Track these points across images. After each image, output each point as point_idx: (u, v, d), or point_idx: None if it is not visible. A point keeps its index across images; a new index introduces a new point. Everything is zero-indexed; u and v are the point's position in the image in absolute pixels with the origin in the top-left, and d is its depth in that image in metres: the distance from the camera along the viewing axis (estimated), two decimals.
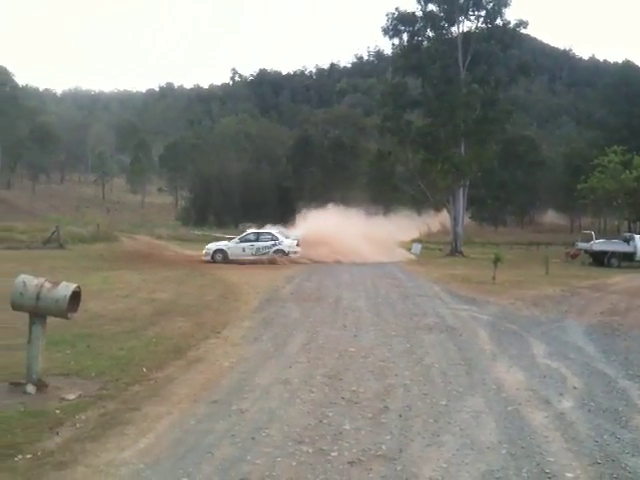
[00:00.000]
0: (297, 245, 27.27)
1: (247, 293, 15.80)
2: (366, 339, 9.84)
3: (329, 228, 29.12)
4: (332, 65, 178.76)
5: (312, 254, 27.51)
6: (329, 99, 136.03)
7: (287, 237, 27.91)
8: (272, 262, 25.98)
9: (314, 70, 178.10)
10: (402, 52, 39.48)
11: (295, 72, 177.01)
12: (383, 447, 5.10)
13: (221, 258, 26.58)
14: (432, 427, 5.65)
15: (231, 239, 28.60)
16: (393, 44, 40.77)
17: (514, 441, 5.32)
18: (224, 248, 27.25)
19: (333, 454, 4.93)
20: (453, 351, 9.07)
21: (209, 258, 26.76)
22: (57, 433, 5.26)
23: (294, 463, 4.74)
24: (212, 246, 27.85)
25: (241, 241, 27.59)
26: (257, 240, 27.43)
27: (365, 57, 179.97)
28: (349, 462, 4.77)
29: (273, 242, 27.17)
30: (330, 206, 35.35)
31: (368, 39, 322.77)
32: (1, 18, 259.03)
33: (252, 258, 26.47)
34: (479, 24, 38.49)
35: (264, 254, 26.77)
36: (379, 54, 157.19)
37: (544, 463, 4.83)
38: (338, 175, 68.29)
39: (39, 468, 4.52)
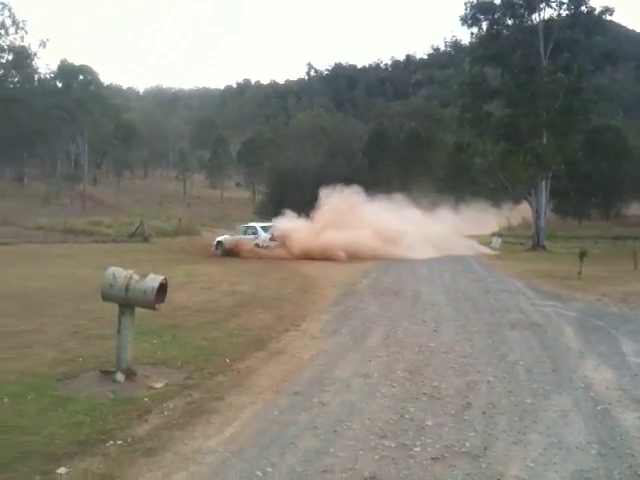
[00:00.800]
0: (270, 239, 27.07)
1: (325, 286, 15.92)
2: (446, 334, 9.69)
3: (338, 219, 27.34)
4: (408, 57, 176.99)
5: (294, 249, 26.02)
6: (405, 91, 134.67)
7: (265, 231, 27.98)
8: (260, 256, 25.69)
9: (389, 63, 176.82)
10: (481, 41, 38.51)
11: (370, 65, 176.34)
12: (467, 444, 5.01)
13: (221, 249, 27.72)
14: (517, 425, 5.50)
15: None
16: (472, 33, 39.84)
17: (604, 441, 5.11)
18: (222, 240, 28.29)
19: (416, 449, 4.88)
20: (538, 348, 8.79)
21: (214, 249, 28.11)
22: (146, 420, 5.45)
23: (376, 457, 4.73)
24: (216, 238, 29.27)
25: (235, 234, 28.72)
26: (245, 233, 28.36)
27: (442, 48, 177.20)
28: (432, 458, 4.71)
29: (254, 236, 27.75)
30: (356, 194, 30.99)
31: (444, 29, 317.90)
32: (87, 21, 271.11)
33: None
34: (561, 11, 37.20)
35: None
36: (456, 44, 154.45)
37: (637, 465, 4.62)
38: (414, 168, 67.46)
39: (129, 454, 4.70)
